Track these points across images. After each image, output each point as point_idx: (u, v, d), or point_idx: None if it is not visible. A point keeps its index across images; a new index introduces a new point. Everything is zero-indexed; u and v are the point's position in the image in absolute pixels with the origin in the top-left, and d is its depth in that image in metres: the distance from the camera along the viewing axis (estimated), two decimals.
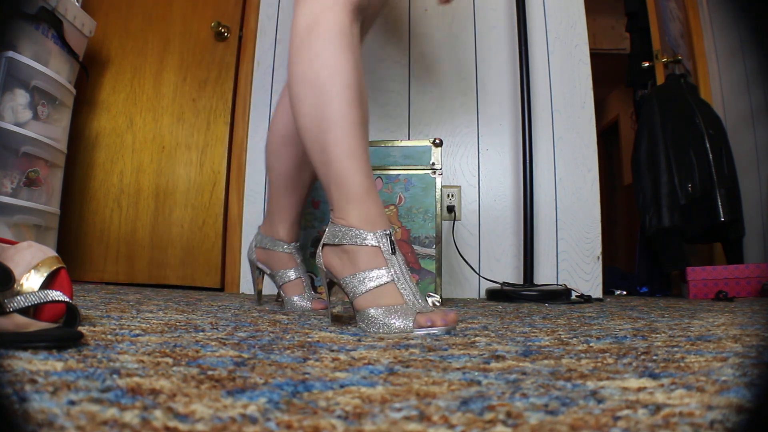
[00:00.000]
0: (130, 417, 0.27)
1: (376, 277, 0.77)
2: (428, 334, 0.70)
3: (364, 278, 0.78)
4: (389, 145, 1.52)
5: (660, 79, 2.55)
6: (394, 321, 0.73)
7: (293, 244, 1.20)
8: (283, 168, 1.17)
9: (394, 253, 0.78)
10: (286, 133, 1.16)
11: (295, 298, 1.17)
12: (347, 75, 0.84)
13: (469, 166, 1.99)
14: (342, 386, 0.37)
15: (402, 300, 0.75)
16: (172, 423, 0.27)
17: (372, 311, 0.75)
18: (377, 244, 0.78)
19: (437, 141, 1.51)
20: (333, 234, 0.82)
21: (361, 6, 0.89)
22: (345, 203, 0.82)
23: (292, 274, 1.18)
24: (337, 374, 0.41)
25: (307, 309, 1.15)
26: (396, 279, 0.77)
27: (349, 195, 0.81)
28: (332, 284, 0.86)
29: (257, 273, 1.25)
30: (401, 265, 0.78)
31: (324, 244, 0.83)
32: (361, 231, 0.79)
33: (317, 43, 0.86)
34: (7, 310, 0.51)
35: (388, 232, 0.80)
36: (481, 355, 0.52)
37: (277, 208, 1.20)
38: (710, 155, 2.15)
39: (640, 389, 0.36)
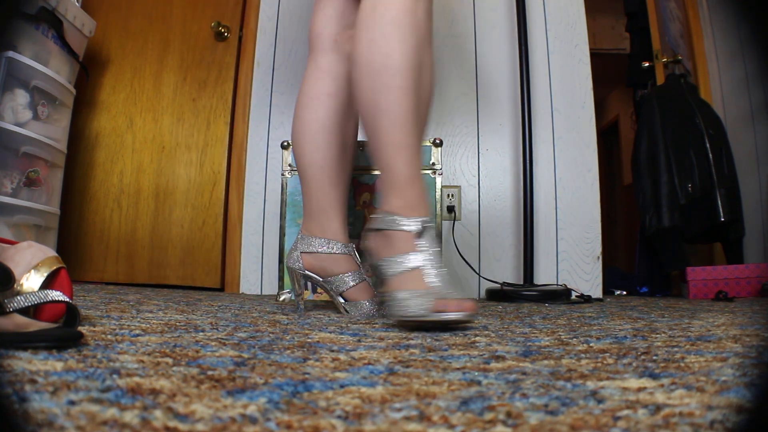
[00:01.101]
0: (130, 417, 0.27)
1: (405, 261, 0.80)
2: (444, 319, 0.72)
3: (394, 261, 0.81)
4: None
5: (660, 79, 2.55)
6: (412, 304, 0.75)
7: (351, 244, 1.09)
8: (327, 159, 1.08)
9: (426, 240, 0.81)
10: (328, 122, 1.08)
11: (367, 303, 1.04)
12: (403, 60, 0.84)
13: (469, 166, 1.99)
14: (342, 386, 0.37)
15: (426, 285, 0.78)
16: (172, 423, 0.27)
17: (396, 293, 0.78)
18: (411, 230, 0.81)
19: (437, 141, 1.51)
20: (376, 219, 0.85)
21: None
22: (389, 190, 0.85)
23: (350, 279, 1.05)
24: (337, 374, 0.41)
25: (382, 314, 1.04)
26: (424, 265, 0.79)
27: (393, 183, 0.84)
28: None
29: (303, 283, 1.10)
30: (433, 252, 0.80)
31: (368, 229, 0.87)
32: (398, 217, 0.83)
33: (377, 26, 0.85)
34: (7, 310, 0.51)
35: (424, 219, 0.82)
36: (481, 355, 0.52)
37: (326, 204, 1.08)
38: (710, 155, 2.15)
39: (640, 389, 0.36)
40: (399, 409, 0.31)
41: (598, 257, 1.92)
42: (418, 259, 0.80)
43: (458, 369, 0.44)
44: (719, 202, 2.10)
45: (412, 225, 0.81)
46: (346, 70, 1.06)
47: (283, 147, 1.58)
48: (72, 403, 0.29)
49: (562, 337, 0.68)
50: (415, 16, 0.85)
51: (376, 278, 0.93)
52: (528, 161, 1.83)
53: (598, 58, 2.32)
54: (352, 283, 1.06)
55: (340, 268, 1.06)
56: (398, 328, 0.79)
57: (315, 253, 1.07)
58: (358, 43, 0.88)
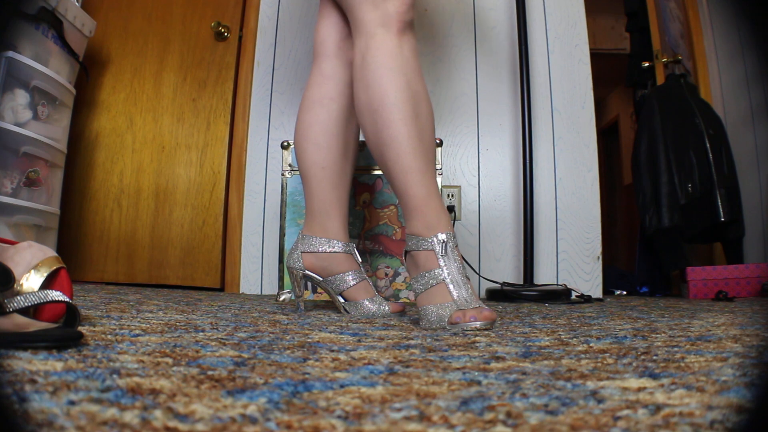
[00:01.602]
0: (130, 417, 0.27)
1: (429, 278, 0.86)
2: (462, 329, 0.77)
3: (421, 279, 0.87)
4: None
5: (660, 79, 2.55)
6: (433, 317, 0.82)
7: (351, 243, 1.10)
8: (329, 160, 1.10)
9: (449, 254, 0.86)
10: (330, 124, 1.11)
11: (367, 302, 1.05)
12: (398, 97, 0.91)
13: (469, 166, 1.99)
14: (342, 386, 0.37)
15: (451, 299, 0.83)
16: (172, 423, 0.27)
17: (424, 309, 0.84)
18: (431, 248, 0.86)
19: (437, 141, 1.51)
20: (408, 241, 0.91)
21: (408, 21, 0.96)
22: (408, 213, 0.91)
23: (350, 278, 1.06)
24: (337, 374, 0.41)
25: (384, 314, 1.05)
26: (445, 279, 0.84)
27: (409, 206, 0.90)
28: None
29: (303, 283, 1.11)
30: (454, 266, 0.86)
31: (406, 251, 0.94)
32: (419, 237, 0.88)
33: (368, 73, 0.94)
34: (7, 310, 0.51)
35: (443, 235, 0.87)
36: (481, 355, 0.52)
37: (328, 204, 1.10)
38: (710, 155, 2.15)
39: (640, 389, 0.36)
40: (399, 409, 0.31)
41: (598, 257, 1.92)
42: (441, 274, 0.85)
43: (458, 369, 0.44)
44: (719, 202, 2.10)
45: (431, 244, 0.86)
46: (348, 75, 1.11)
47: (283, 147, 1.58)
48: (72, 403, 0.29)
49: (562, 337, 0.68)
50: (402, 57, 0.93)
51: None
52: (528, 161, 1.83)
53: (598, 58, 2.32)
54: (352, 282, 1.07)
55: (340, 267, 1.08)
56: (398, 327, 0.79)
57: (316, 252, 1.08)
58: (356, 89, 0.96)
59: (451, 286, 0.84)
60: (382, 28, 0.93)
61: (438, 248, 0.86)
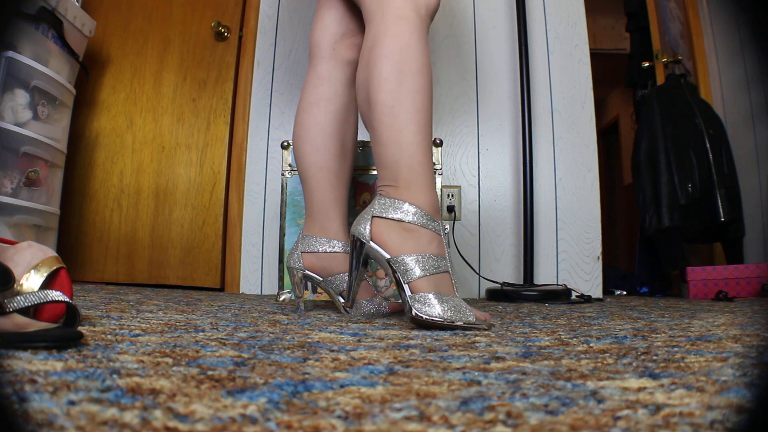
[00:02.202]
0: (130, 417, 0.27)
1: (439, 264, 0.78)
2: (479, 328, 0.74)
3: (427, 261, 0.77)
4: None
5: (660, 79, 2.55)
6: (464, 311, 0.74)
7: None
8: (327, 161, 1.10)
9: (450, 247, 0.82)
10: (327, 125, 1.10)
11: (364, 303, 1.05)
12: (420, 98, 0.85)
13: (469, 166, 1.99)
14: (342, 386, 0.37)
15: (454, 292, 0.78)
16: (172, 423, 0.27)
17: (433, 295, 0.75)
18: (440, 232, 0.80)
19: (437, 141, 1.51)
20: (394, 208, 0.81)
21: (435, 11, 0.91)
22: (418, 187, 0.82)
23: None
24: (337, 374, 0.41)
25: (382, 314, 1.04)
26: (449, 271, 0.79)
27: (422, 180, 0.82)
28: (363, 265, 0.86)
29: (304, 284, 1.10)
30: (451, 260, 0.81)
31: (375, 216, 0.82)
32: (433, 217, 0.81)
33: (393, 45, 0.86)
34: (7, 310, 0.51)
35: (447, 225, 0.83)
36: (481, 355, 0.52)
37: (327, 204, 1.10)
38: (710, 155, 2.15)
39: (640, 389, 0.36)
40: (399, 409, 0.31)
41: (598, 257, 1.92)
42: (448, 264, 0.79)
43: (458, 369, 0.44)
44: (719, 202, 2.10)
45: (442, 227, 0.81)
46: (344, 76, 1.11)
47: (283, 147, 1.58)
48: (72, 403, 0.29)
49: (562, 337, 0.68)
50: (423, 45, 0.88)
51: (358, 264, 0.88)
52: (528, 161, 1.83)
53: (598, 58, 2.32)
54: None
55: (340, 267, 1.07)
56: (398, 327, 0.79)
57: (316, 252, 1.08)
58: (374, 57, 0.88)
59: (453, 280, 0.79)
60: (414, 12, 0.87)
61: (444, 237, 0.81)
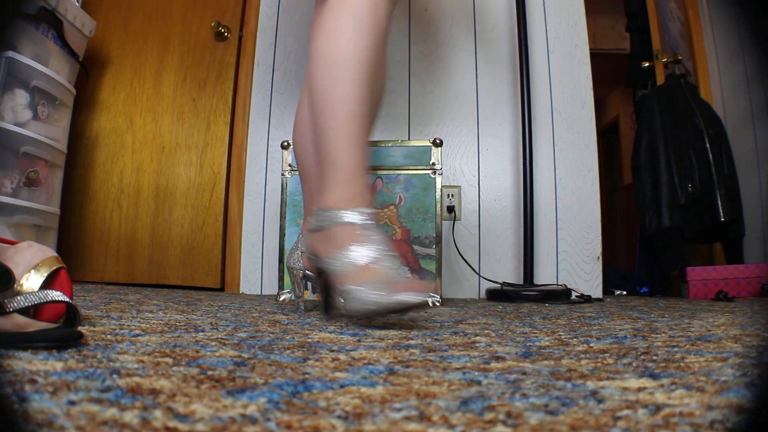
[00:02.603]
0: (130, 417, 0.27)
1: (352, 255, 0.77)
2: (403, 301, 0.72)
3: (341, 255, 0.78)
4: (389, 145, 1.52)
5: (660, 79, 2.55)
6: (370, 294, 0.73)
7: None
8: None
9: (372, 231, 0.78)
10: None
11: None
12: (361, 54, 0.83)
13: (469, 166, 1.99)
14: (342, 386, 0.37)
15: (377, 276, 0.75)
16: (172, 423, 0.27)
17: (350, 288, 0.75)
18: (353, 221, 0.79)
19: (437, 141, 1.51)
20: (315, 219, 0.82)
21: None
22: (330, 184, 0.83)
23: None
24: (337, 374, 0.41)
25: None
26: (374, 255, 0.77)
27: (336, 176, 0.82)
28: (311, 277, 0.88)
29: (304, 284, 1.09)
30: (379, 242, 0.78)
31: (310, 231, 0.84)
32: (338, 211, 0.80)
33: (334, 21, 0.85)
34: (7, 310, 0.51)
35: (366, 210, 0.80)
36: (481, 355, 0.52)
37: None
38: (710, 155, 2.15)
39: (640, 389, 0.36)
40: (399, 409, 0.31)
41: (598, 257, 1.92)
42: (365, 250, 0.77)
43: (458, 369, 0.44)
44: (719, 202, 2.10)
45: (354, 216, 0.79)
46: None
47: (283, 147, 1.58)
48: (72, 403, 0.29)
49: (562, 337, 0.68)
50: (376, 15, 0.86)
51: (318, 281, 0.90)
52: (528, 161, 1.83)
53: (598, 58, 2.32)
54: None
55: None
56: (398, 327, 0.79)
57: None
58: (316, 37, 0.88)
59: (379, 262, 0.77)
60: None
61: (363, 223, 0.79)
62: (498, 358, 0.50)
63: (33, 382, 0.34)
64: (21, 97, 1.64)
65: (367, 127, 0.84)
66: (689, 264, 2.09)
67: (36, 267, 0.62)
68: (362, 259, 0.76)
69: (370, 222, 0.79)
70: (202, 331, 0.67)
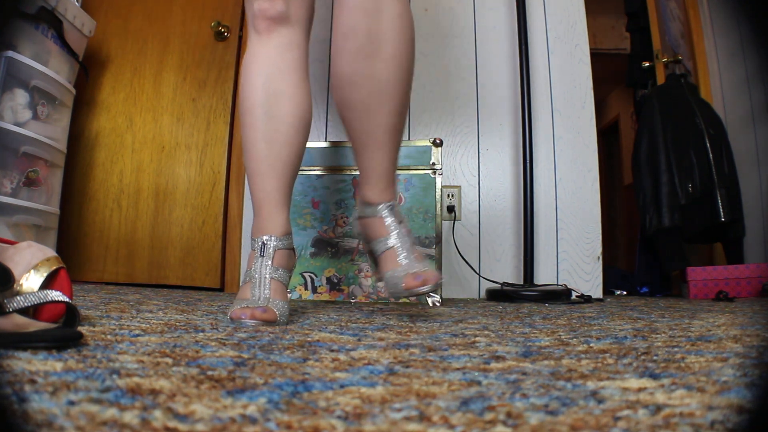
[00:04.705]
0: (130, 417, 0.27)
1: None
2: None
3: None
4: None
5: (660, 79, 2.54)
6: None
7: (383, 204, 1.01)
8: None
9: (263, 257, 0.88)
10: (351, 83, 1.00)
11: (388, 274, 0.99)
12: (250, 102, 0.93)
13: (469, 166, 1.99)
14: (342, 386, 0.37)
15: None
16: (172, 423, 0.27)
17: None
18: (253, 249, 0.90)
19: (437, 141, 1.51)
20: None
21: (274, 16, 0.93)
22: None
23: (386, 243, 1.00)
24: (337, 374, 0.41)
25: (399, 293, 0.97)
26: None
27: (254, 208, 0.95)
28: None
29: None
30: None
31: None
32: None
33: (242, 72, 0.98)
34: (7, 310, 0.51)
35: (263, 239, 0.89)
36: (481, 355, 0.52)
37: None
38: (710, 155, 2.15)
39: (640, 389, 0.36)
40: (399, 409, 0.31)
41: (598, 257, 1.92)
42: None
43: (458, 369, 0.44)
44: (719, 202, 2.10)
45: (252, 246, 0.91)
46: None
47: None
48: (72, 403, 0.29)
49: (562, 337, 0.68)
50: (263, 55, 0.94)
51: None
52: (528, 161, 1.83)
53: (598, 58, 2.32)
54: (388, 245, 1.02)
55: (377, 231, 1.03)
56: (398, 326, 0.79)
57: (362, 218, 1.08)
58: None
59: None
60: (252, 28, 0.95)
61: (255, 250, 0.91)
62: (498, 358, 0.50)
63: (33, 382, 0.34)
64: (21, 96, 1.64)
65: (268, 159, 0.92)
66: (689, 264, 2.09)
67: (36, 267, 0.61)
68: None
69: (261, 251, 0.90)
70: (202, 331, 0.67)
